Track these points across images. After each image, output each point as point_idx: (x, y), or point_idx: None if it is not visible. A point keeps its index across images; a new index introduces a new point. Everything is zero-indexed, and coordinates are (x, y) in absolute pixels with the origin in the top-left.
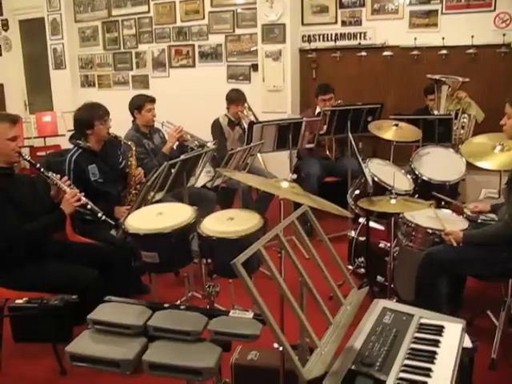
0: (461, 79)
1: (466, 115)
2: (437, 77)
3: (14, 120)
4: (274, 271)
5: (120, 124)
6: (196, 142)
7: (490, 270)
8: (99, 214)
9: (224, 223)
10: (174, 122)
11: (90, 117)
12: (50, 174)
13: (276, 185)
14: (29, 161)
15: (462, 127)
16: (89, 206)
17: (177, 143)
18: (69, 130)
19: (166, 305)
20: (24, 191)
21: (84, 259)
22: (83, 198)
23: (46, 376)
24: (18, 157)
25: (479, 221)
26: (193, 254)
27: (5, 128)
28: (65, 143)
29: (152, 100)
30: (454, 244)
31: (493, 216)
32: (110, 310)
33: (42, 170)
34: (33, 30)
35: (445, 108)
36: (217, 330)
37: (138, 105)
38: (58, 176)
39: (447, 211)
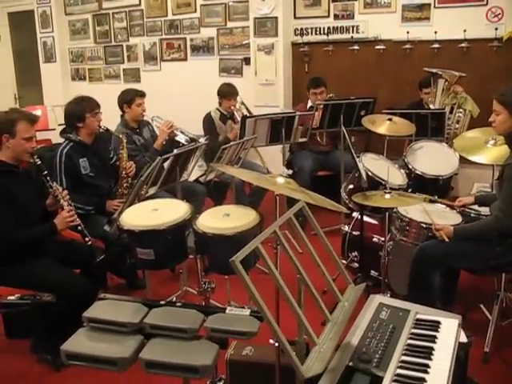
0: (457, 73)
1: (461, 110)
2: (434, 70)
3: (33, 120)
4: (273, 269)
5: (111, 118)
6: (187, 137)
7: (483, 264)
8: (87, 238)
9: (220, 219)
10: (165, 116)
11: (80, 110)
12: (54, 184)
13: (272, 180)
14: (38, 165)
15: (457, 122)
16: (79, 228)
17: (167, 138)
18: (59, 124)
19: (162, 302)
20: (26, 190)
21: (64, 256)
22: (77, 219)
23: (39, 372)
24: (29, 157)
25: (472, 215)
26: (188, 250)
27: (24, 127)
28: (55, 137)
29: (142, 94)
30: (446, 239)
31: (484, 209)
32: (106, 308)
33: (47, 178)
34: (22, 23)
35: (440, 102)
36: (214, 327)
37: (128, 99)
38: (61, 189)
39: (441, 206)
